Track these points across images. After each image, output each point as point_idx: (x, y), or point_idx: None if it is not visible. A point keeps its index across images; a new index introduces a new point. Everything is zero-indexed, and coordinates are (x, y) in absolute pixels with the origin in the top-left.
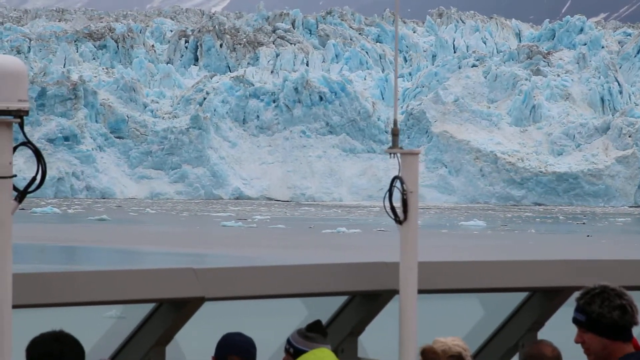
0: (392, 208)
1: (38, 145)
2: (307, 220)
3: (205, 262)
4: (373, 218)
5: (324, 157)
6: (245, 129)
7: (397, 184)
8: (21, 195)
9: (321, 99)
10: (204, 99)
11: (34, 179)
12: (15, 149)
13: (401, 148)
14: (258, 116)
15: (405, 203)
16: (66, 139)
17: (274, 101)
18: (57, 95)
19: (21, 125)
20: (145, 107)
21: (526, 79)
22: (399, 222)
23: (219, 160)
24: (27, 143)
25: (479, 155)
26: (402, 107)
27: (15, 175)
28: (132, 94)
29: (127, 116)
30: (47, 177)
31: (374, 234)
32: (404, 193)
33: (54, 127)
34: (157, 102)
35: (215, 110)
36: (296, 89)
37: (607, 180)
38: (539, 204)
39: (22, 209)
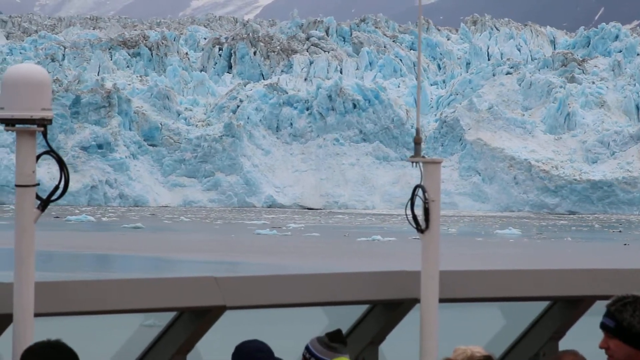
0: (414, 217)
1: (72, 153)
2: (342, 228)
3: (240, 271)
4: (407, 226)
5: (357, 165)
6: (278, 137)
7: (419, 192)
8: (44, 203)
9: (355, 106)
10: (238, 106)
11: (56, 187)
12: (38, 157)
13: (424, 157)
14: (291, 124)
15: (427, 212)
16: (100, 146)
17: (307, 109)
18: (91, 103)
19: (44, 134)
20: (179, 114)
21: (561, 87)
22: (420, 230)
23: (252, 168)
24: (51, 151)
25: (512, 163)
26: (435, 115)
27: (38, 184)
28: (165, 101)
29: (161, 124)
30: (81, 185)
31: (409, 242)
32: (426, 202)
33: (88, 135)
34: (191, 110)
35: (248, 118)
36: (330, 97)
37: None
38: (573, 212)
39: (57, 217)
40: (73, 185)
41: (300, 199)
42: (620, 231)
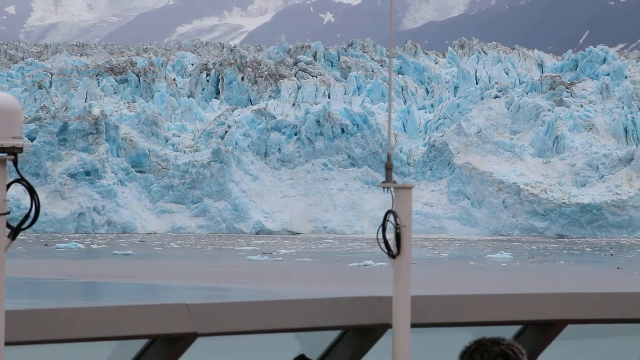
0: (386, 242)
1: (59, 180)
2: (333, 253)
3: (236, 298)
4: None
5: (345, 189)
6: (266, 162)
7: (391, 217)
8: (14, 232)
9: (343, 131)
10: (226, 132)
11: (27, 215)
12: (9, 186)
13: (394, 182)
14: (280, 149)
15: (398, 237)
16: (87, 173)
17: (295, 134)
18: (78, 130)
19: (15, 162)
20: (167, 141)
21: (549, 110)
22: (392, 256)
23: (240, 194)
24: (21, 180)
25: (501, 187)
26: (424, 139)
27: (9, 212)
28: (153, 128)
29: (149, 150)
30: (68, 212)
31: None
32: (397, 227)
33: (76, 162)
34: (179, 136)
35: (236, 144)
36: (318, 122)
37: (631, 211)
38: (562, 236)
39: (46, 244)
40: (60, 213)
41: (289, 225)
42: (611, 254)
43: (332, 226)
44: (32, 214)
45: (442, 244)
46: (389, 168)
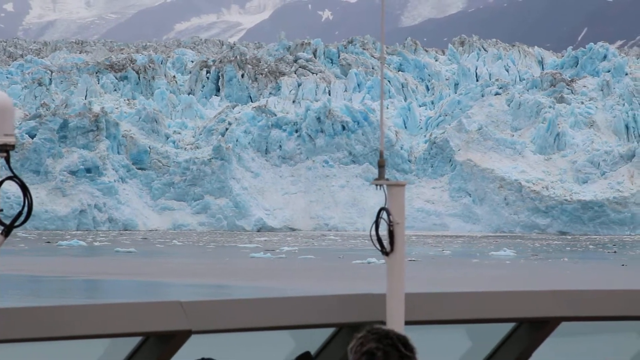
0: (379, 239)
1: (60, 177)
2: (336, 250)
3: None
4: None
5: (347, 186)
6: (267, 159)
7: (384, 215)
8: (7, 229)
9: (344, 128)
10: (226, 129)
11: (20, 213)
12: (1, 183)
13: (387, 179)
14: (280, 146)
15: (391, 234)
16: (88, 170)
17: (296, 131)
18: (79, 127)
19: (7, 159)
20: (167, 138)
21: (550, 107)
22: (385, 253)
23: (241, 191)
24: (14, 177)
25: (503, 184)
26: (425, 136)
27: (1, 210)
28: (154, 125)
29: (149, 147)
30: (69, 210)
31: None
32: (390, 224)
33: (76, 159)
34: (179, 133)
35: (237, 141)
36: (318, 119)
37: (633, 208)
38: (564, 233)
39: (48, 242)
40: (61, 210)
41: (290, 222)
42: (615, 251)
43: (333, 223)
44: (25, 212)
45: (444, 241)
46: (381, 165)
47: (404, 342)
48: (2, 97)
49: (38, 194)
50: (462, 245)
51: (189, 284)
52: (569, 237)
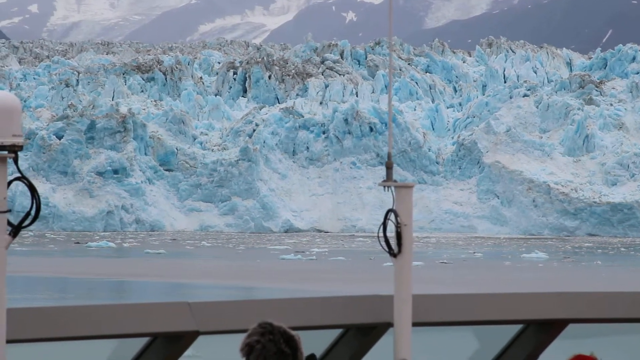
0: (387, 241)
1: (88, 178)
2: (365, 252)
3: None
4: (432, 250)
5: (374, 188)
6: (294, 161)
7: (392, 216)
8: (15, 230)
9: (371, 129)
10: (253, 130)
11: (28, 213)
12: (9, 184)
13: (395, 181)
14: (308, 147)
15: (399, 236)
16: (115, 172)
17: (323, 132)
18: (106, 128)
19: (15, 160)
20: (195, 139)
21: (579, 109)
22: (393, 255)
23: (268, 192)
24: (22, 178)
25: (531, 186)
26: (453, 138)
27: (9, 210)
28: (181, 126)
29: (176, 148)
30: (97, 211)
31: (437, 266)
32: (398, 226)
33: (103, 160)
34: (206, 134)
35: (264, 142)
36: (346, 120)
37: None
38: (593, 235)
39: (77, 242)
40: (89, 211)
41: (318, 223)
42: None
43: (360, 225)
44: (32, 212)
45: (474, 243)
46: (389, 167)
47: (287, 339)
48: (10, 98)
49: (65, 195)
50: (492, 247)
51: (218, 285)
52: (599, 240)
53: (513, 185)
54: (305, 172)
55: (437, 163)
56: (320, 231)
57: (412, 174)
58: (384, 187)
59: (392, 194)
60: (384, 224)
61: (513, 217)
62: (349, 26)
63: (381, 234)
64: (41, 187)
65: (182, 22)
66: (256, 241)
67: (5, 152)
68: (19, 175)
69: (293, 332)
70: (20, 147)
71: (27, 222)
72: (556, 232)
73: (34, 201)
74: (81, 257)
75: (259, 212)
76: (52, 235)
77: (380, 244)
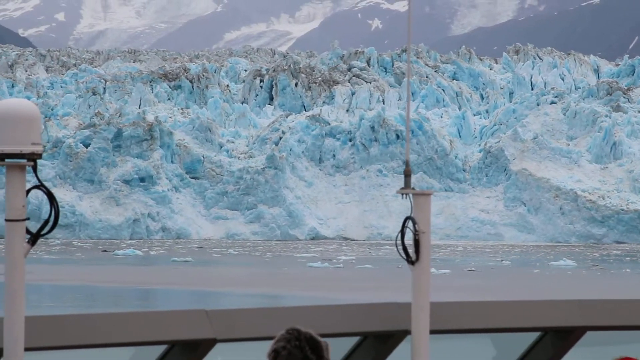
0: (405, 248)
1: (114, 186)
2: (393, 260)
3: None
4: (459, 258)
5: (401, 196)
6: (321, 168)
7: (410, 224)
8: (34, 238)
9: (398, 137)
10: (280, 138)
11: (46, 221)
12: (28, 192)
13: (413, 189)
14: (334, 155)
15: (417, 243)
16: (142, 180)
17: (350, 140)
18: (132, 136)
19: (34, 168)
20: (221, 147)
21: (606, 116)
22: (411, 262)
23: (295, 200)
24: (41, 186)
25: (558, 193)
26: (479, 145)
27: (28, 218)
28: (207, 134)
29: (203, 156)
30: (123, 219)
31: (465, 274)
32: (416, 234)
33: (130, 168)
34: (233, 142)
35: (291, 150)
36: (372, 128)
37: None
38: (621, 243)
39: (105, 250)
40: (115, 219)
41: (344, 231)
42: None
43: (387, 233)
44: (51, 220)
45: (501, 251)
46: (407, 175)
47: (313, 345)
48: (29, 107)
49: (92, 203)
50: (519, 255)
51: (247, 293)
52: (628, 247)
53: (540, 192)
54: (332, 179)
55: (463, 170)
56: (346, 239)
57: (438, 181)
58: (402, 194)
59: (410, 202)
60: (402, 232)
61: (540, 224)
62: (374, 34)
63: (399, 242)
64: (68, 196)
65: (208, 30)
66: (283, 249)
67: (24, 160)
68: (37, 183)
69: (320, 339)
70: (40, 155)
71: (45, 230)
72: (583, 240)
73: (53, 209)
74: (108, 265)
75: (285, 220)
76: (79, 244)
77: (399, 252)
